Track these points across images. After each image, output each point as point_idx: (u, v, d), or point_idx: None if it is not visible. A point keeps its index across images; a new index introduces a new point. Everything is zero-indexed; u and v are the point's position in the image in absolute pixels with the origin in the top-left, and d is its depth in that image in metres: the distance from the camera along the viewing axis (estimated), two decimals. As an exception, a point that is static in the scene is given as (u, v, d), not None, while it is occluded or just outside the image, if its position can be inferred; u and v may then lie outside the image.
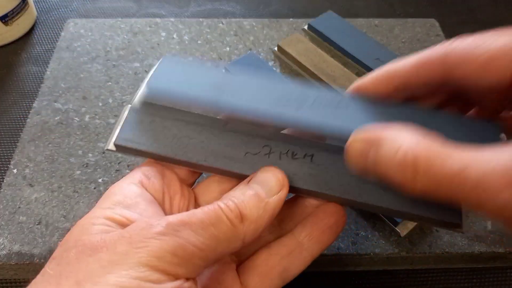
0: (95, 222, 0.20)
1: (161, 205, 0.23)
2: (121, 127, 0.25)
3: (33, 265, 0.29)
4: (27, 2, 0.46)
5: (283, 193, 0.22)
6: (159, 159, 0.24)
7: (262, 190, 0.21)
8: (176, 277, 0.18)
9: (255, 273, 0.23)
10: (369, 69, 0.39)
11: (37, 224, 0.30)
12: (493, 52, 0.18)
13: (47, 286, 0.18)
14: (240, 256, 0.24)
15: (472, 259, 0.30)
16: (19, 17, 0.45)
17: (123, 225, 0.20)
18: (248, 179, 0.22)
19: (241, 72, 0.25)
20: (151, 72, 0.25)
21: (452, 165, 0.16)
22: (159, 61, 0.26)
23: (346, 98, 0.24)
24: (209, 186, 0.25)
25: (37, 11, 0.49)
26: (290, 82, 0.24)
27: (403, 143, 0.17)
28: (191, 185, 0.26)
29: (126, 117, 0.25)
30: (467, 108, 0.24)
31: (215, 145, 0.24)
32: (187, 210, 0.24)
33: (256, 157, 0.23)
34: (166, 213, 0.23)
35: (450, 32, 0.47)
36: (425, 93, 0.22)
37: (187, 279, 0.19)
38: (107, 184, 0.32)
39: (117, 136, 0.24)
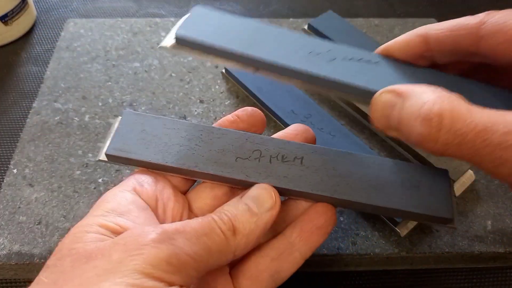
0: (89, 230, 0.20)
1: (154, 211, 0.23)
2: (112, 138, 0.25)
3: (33, 265, 0.29)
4: (27, 2, 0.45)
5: (274, 211, 0.22)
6: (150, 167, 0.24)
7: (254, 206, 0.22)
8: (170, 284, 0.18)
9: (247, 276, 0.23)
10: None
11: (37, 224, 0.30)
12: None
13: None
14: (234, 259, 0.24)
15: (472, 259, 0.30)
16: (19, 17, 0.45)
17: (116, 232, 0.20)
18: (242, 194, 0.23)
19: (273, 26, 0.25)
20: (181, 21, 0.25)
21: (478, 122, 0.16)
22: (189, 12, 0.25)
23: (376, 57, 0.23)
24: (201, 192, 0.26)
25: (37, 11, 0.49)
26: (320, 39, 0.24)
27: (430, 98, 0.18)
28: (184, 192, 0.26)
29: (117, 127, 0.25)
30: (492, 81, 0.24)
31: (206, 151, 0.24)
32: (181, 216, 0.24)
33: (246, 161, 0.24)
34: (159, 220, 0.23)
35: (450, 32, 0.47)
36: (454, 60, 0.22)
37: (181, 286, 0.19)
38: (107, 184, 0.32)
39: (108, 146, 0.24)
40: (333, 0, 0.52)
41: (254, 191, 0.23)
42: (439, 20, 0.46)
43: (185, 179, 0.25)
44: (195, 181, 0.26)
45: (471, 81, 0.23)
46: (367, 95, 0.21)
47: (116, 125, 0.25)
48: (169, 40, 0.24)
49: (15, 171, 0.33)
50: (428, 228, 0.30)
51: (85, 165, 0.33)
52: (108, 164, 0.33)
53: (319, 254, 0.29)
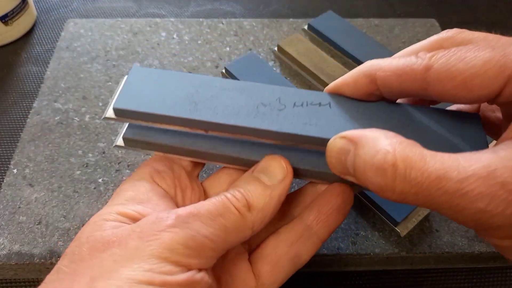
0: (108, 218, 0.20)
1: (174, 199, 0.23)
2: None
3: (33, 265, 0.29)
4: (27, 2, 0.46)
5: (287, 180, 0.22)
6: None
7: (266, 178, 0.21)
8: (188, 268, 0.18)
9: (266, 262, 0.23)
10: (369, 69, 0.39)
11: (37, 224, 0.30)
12: (472, 70, 0.18)
13: (62, 284, 0.18)
14: (251, 244, 0.24)
15: (472, 259, 0.30)
16: (19, 17, 0.45)
17: (136, 219, 0.20)
18: (252, 168, 0.23)
19: (216, 78, 0.24)
20: (119, 88, 0.24)
21: (432, 169, 0.16)
22: (125, 77, 0.24)
23: (326, 98, 0.23)
24: (219, 179, 0.25)
25: (37, 11, 0.49)
26: (267, 85, 0.24)
27: (383, 146, 0.17)
28: (196, 177, 0.26)
29: (125, 82, 0.24)
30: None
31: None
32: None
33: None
34: (178, 207, 0.23)
35: (450, 32, 0.47)
36: (400, 97, 0.23)
37: (200, 269, 0.19)
38: (107, 184, 0.32)
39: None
40: (333, 0, 0.52)
41: (264, 163, 0.22)
42: (439, 20, 0.46)
43: (195, 163, 0.25)
44: (204, 165, 0.26)
45: (423, 109, 0.23)
46: (323, 142, 0.21)
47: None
48: (110, 111, 0.23)
49: (15, 171, 0.33)
50: (428, 228, 0.30)
51: (85, 165, 0.33)
52: (113, 155, 0.33)
53: (319, 254, 0.29)
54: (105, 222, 0.20)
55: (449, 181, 0.16)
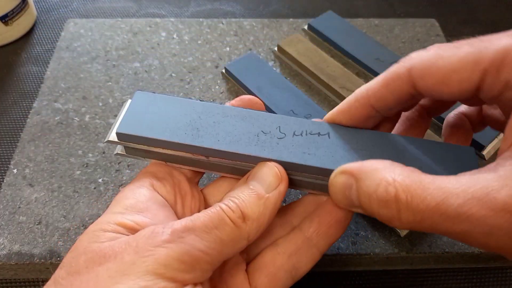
0: (106, 229, 0.20)
1: (173, 207, 0.23)
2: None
3: (33, 265, 0.29)
4: (27, 2, 0.46)
5: (282, 187, 0.21)
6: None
7: (260, 187, 0.21)
8: (183, 283, 0.18)
9: (264, 274, 0.22)
10: (369, 69, 0.39)
11: (37, 224, 0.30)
12: (451, 66, 0.19)
13: None
14: (250, 254, 0.24)
15: (472, 259, 0.30)
16: (19, 17, 0.45)
17: (134, 230, 0.20)
18: (247, 175, 0.22)
19: (218, 105, 0.25)
20: (123, 112, 0.24)
21: (432, 197, 0.16)
22: (129, 102, 0.25)
23: (325, 127, 0.23)
24: (219, 186, 0.25)
25: (37, 11, 0.49)
26: (268, 114, 0.24)
27: (383, 177, 0.18)
28: (196, 184, 0.26)
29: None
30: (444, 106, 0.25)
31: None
32: (199, 211, 0.23)
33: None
34: (178, 216, 0.23)
35: (450, 32, 0.47)
36: (399, 107, 0.23)
37: (195, 284, 0.19)
38: (107, 184, 0.32)
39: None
40: (333, 0, 0.52)
41: (257, 171, 0.22)
42: (439, 20, 0.46)
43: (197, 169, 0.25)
44: (204, 172, 0.26)
45: (416, 140, 0.23)
46: (323, 172, 0.21)
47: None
48: (113, 135, 0.24)
49: (15, 171, 0.33)
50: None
51: (85, 165, 0.33)
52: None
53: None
54: (103, 233, 0.20)
55: (449, 206, 0.16)
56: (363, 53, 0.40)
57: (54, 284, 0.19)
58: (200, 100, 0.25)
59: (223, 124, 0.23)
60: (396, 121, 0.25)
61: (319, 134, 0.23)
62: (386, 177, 0.18)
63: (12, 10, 0.43)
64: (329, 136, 0.23)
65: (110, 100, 0.38)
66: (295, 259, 0.22)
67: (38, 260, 0.28)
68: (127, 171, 0.33)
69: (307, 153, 0.22)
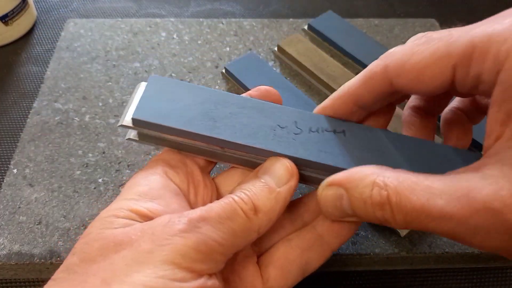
0: (119, 214, 0.20)
1: (186, 196, 0.23)
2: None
3: (33, 265, 0.29)
4: (27, 2, 0.46)
5: (293, 182, 0.22)
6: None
7: (272, 181, 0.21)
8: (200, 274, 0.18)
9: (276, 266, 0.23)
10: (369, 69, 0.39)
11: (37, 224, 0.30)
12: (423, 62, 0.19)
13: (73, 283, 0.18)
14: (261, 247, 0.24)
15: (472, 259, 0.30)
16: (19, 17, 0.45)
17: (147, 218, 0.20)
18: (258, 168, 0.22)
19: (234, 95, 0.24)
20: (137, 96, 0.24)
21: (417, 198, 0.17)
22: (144, 85, 0.24)
23: (341, 125, 0.23)
24: (232, 176, 0.25)
25: (37, 11, 0.49)
26: (285, 107, 0.24)
27: (373, 182, 0.18)
28: (208, 173, 0.26)
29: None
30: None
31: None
32: (211, 201, 0.23)
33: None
34: (191, 205, 0.23)
35: (450, 32, 0.47)
36: (380, 103, 0.23)
37: (210, 275, 0.19)
38: (107, 184, 0.32)
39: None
40: (333, 0, 0.52)
41: (269, 165, 0.22)
42: (439, 20, 0.46)
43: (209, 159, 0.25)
44: (216, 163, 0.26)
45: (411, 139, 0.23)
46: (337, 171, 0.21)
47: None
48: (127, 120, 0.23)
49: (15, 171, 0.33)
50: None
51: (85, 165, 0.33)
52: (113, 155, 0.33)
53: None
54: (116, 219, 0.19)
55: (434, 207, 0.16)
56: (363, 53, 0.40)
57: (67, 270, 0.18)
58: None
59: (240, 116, 0.23)
60: (389, 114, 0.25)
61: (335, 131, 0.23)
62: (377, 181, 0.18)
63: (12, 10, 0.43)
64: (344, 134, 0.23)
65: (110, 100, 0.38)
66: (307, 254, 0.23)
67: (38, 260, 0.28)
68: (127, 171, 0.33)
69: (323, 152, 0.22)
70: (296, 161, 0.22)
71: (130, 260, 0.18)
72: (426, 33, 0.20)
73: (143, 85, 0.24)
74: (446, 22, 0.48)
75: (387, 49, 0.40)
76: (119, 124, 0.23)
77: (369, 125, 0.24)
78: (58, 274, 0.19)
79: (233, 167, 0.25)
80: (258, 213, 0.20)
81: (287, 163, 0.22)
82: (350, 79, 0.39)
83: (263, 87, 0.26)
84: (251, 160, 0.23)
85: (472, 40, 0.18)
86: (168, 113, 0.23)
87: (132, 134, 0.24)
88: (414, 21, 0.46)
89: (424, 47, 0.19)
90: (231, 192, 0.21)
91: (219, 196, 0.25)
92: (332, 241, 0.23)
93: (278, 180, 0.21)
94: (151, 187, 0.21)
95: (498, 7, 0.21)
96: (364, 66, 0.40)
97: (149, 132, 0.23)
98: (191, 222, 0.18)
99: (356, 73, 0.39)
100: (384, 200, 0.17)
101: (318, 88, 0.39)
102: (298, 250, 0.23)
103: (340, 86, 0.39)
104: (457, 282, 0.32)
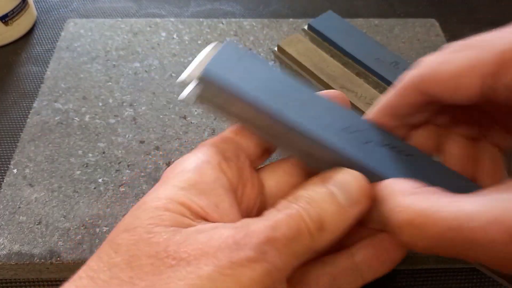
0: (169, 208, 0.18)
1: (234, 193, 0.21)
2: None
3: (33, 265, 0.29)
4: (27, 2, 0.46)
5: (366, 205, 0.19)
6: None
7: (341, 195, 0.18)
8: None
9: None
10: (369, 69, 0.39)
11: (37, 224, 0.30)
12: (456, 71, 0.18)
13: None
14: None
15: (472, 259, 0.30)
16: (19, 17, 0.45)
17: (198, 216, 0.18)
18: (322, 177, 0.20)
19: (304, 87, 0.22)
20: (207, 54, 0.22)
21: (445, 221, 0.15)
22: (218, 45, 0.22)
23: (411, 149, 0.22)
24: (274, 172, 0.23)
25: (37, 11, 0.49)
26: (354, 113, 0.22)
27: (398, 202, 0.17)
28: (255, 170, 0.23)
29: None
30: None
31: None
32: (255, 201, 0.22)
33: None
34: (238, 204, 0.21)
35: (450, 32, 0.47)
36: (418, 117, 0.22)
37: None
38: (107, 184, 0.32)
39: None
40: (333, 0, 0.52)
41: (340, 176, 0.19)
42: (439, 20, 0.46)
43: (264, 152, 0.23)
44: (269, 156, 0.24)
45: (442, 166, 0.22)
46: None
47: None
48: (192, 75, 0.21)
49: (15, 171, 0.33)
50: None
51: (85, 165, 0.33)
52: (113, 155, 0.33)
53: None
54: (165, 212, 0.18)
55: (461, 231, 0.15)
56: (363, 53, 0.40)
57: (109, 271, 0.16)
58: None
59: (310, 108, 0.21)
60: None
61: (403, 152, 0.21)
62: (404, 201, 0.17)
63: (12, 10, 0.43)
64: (413, 157, 0.21)
65: (110, 100, 0.38)
66: (338, 282, 0.21)
67: (38, 260, 0.28)
68: (127, 171, 0.33)
69: (394, 169, 0.20)
70: (365, 172, 0.20)
71: (187, 284, 0.16)
72: (462, 40, 0.20)
73: (217, 46, 0.22)
74: (446, 22, 0.48)
75: (387, 49, 0.40)
76: (181, 79, 0.21)
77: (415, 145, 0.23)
78: (95, 270, 0.17)
79: (275, 163, 0.23)
80: (323, 231, 0.18)
81: (362, 181, 0.19)
82: (350, 79, 0.39)
83: (332, 91, 0.24)
84: (313, 156, 0.21)
85: (503, 49, 0.17)
86: (239, 80, 0.20)
87: (191, 94, 0.21)
88: (414, 21, 0.46)
89: (454, 56, 0.19)
90: (287, 195, 0.19)
91: (263, 195, 0.22)
92: (367, 274, 0.21)
93: (348, 197, 0.19)
94: (202, 177, 0.19)
95: (498, 7, 0.21)
96: (364, 66, 0.40)
97: (213, 95, 0.21)
98: (258, 247, 0.16)
99: (356, 73, 0.40)
100: (404, 223, 0.16)
101: (318, 88, 0.39)
102: (330, 276, 0.21)
103: (340, 86, 0.39)
104: (457, 282, 0.32)
